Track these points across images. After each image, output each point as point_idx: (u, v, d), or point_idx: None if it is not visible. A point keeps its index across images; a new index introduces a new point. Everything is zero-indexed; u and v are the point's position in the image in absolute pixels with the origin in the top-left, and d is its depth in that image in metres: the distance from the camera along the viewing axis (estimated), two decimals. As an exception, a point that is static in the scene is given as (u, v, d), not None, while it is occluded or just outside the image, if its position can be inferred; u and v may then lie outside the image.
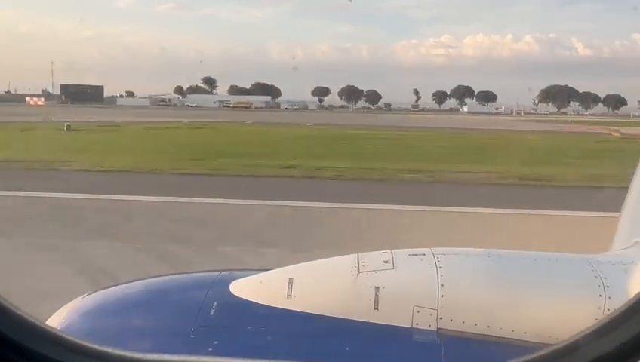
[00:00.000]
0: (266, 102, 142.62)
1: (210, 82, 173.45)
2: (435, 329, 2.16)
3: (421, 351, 2.14)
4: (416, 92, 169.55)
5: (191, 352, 2.21)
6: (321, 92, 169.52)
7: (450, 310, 2.16)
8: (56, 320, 2.46)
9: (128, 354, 1.16)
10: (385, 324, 2.18)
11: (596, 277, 2.22)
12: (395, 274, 2.27)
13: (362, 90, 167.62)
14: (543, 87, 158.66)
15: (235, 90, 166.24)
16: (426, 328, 2.16)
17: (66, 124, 39.71)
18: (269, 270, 2.58)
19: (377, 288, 2.22)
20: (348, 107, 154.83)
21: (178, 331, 2.29)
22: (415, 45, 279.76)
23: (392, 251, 2.42)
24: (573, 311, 2.15)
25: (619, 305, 2.02)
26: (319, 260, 2.55)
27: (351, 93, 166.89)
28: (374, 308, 2.19)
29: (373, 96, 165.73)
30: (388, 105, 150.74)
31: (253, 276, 2.54)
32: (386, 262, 2.34)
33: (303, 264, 2.52)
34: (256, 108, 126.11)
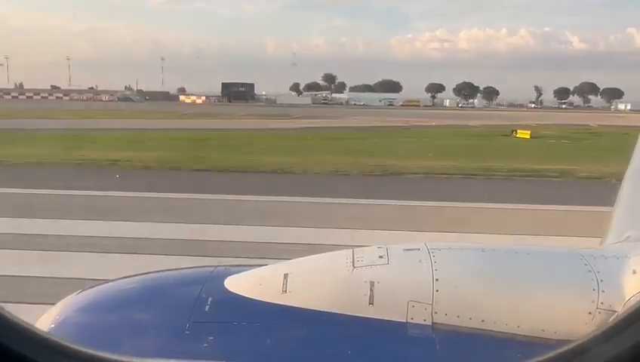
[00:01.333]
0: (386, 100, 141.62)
1: (331, 79, 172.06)
2: (430, 324, 2.16)
3: (416, 345, 2.15)
4: (537, 89, 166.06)
5: (186, 348, 2.21)
6: (436, 89, 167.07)
7: (445, 304, 2.17)
8: (50, 317, 2.46)
9: (119, 357, 1.18)
10: (380, 319, 2.19)
11: (590, 271, 2.23)
12: (389, 269, 2.28)
13: (478, 87, 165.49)
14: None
15: (361, 88, 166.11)
16: (420, 322, 2.17)
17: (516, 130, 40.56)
18: (263, 265, 2.57)
19: (372, 283, 2.23)
20: (471, 104, 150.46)
21: (173, 327, 2.28)
22: (410, 40, 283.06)
23: (387, 246, 2.42)
24: (567, 305, 2.17)
25: (612, 298, 2.11)
26: (314, 255, 2.55)
27: (465, 90, 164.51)
28: (369, 303, 2.20)
29: (491, 93, 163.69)
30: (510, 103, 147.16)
31: (247, 271, 2.54)
32: (380, 257, 2.34)
33: (297, 259, 2.52)
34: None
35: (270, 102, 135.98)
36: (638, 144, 5.03)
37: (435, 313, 2.17)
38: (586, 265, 2.28)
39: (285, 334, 2.26)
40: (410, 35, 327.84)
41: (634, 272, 2.22)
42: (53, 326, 2.39)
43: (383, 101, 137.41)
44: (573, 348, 1.01)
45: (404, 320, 2.18)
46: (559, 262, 2.40)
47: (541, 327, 2.14)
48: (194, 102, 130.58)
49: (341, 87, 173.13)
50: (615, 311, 2.11)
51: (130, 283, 2.73)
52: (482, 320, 2.16)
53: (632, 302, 2.09)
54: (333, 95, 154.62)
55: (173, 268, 3.06)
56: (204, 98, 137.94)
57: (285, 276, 2.35)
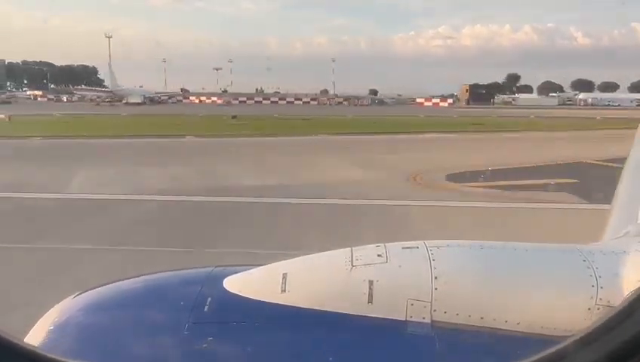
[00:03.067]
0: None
1: (515, 79, 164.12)
2: (429, 322, 2.17)
3: (415, 343, 2.15)
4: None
5: (185, 348, 2.20)
6: (584, 85, 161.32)
7: (444, 302, 2.17)
8: (47, 321, 2.43)
9: None
10: (379, 318, 2.19)
11: (588, 267, 2.24)
12: (388, 268, 2.28)
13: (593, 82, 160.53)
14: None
15: (549, 87, 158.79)
16: (420, 321, 2.17)
17: None
18: (262, 265, 2.57)
19: (371, 282, 2.23)
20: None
21: (172, 328, 2.27)
22: (413, 37, 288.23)
23: (386, 244, 2.42)
24: (566, 301, 2.18)
25: (611, 294, 2.14)
26: (313, 254, 2.55)
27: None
28: (368, 302, 2.20)
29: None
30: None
31: (246, 271, 2.54)
32: (379, 255, 2.34)
33: (296, 259, 2.52)
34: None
35: (507, 103, 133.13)
36: (636, 140, 5.06)
37: (435, 311, 2.17)
38: (584, 261, 2.28)
39: (284, 334, 2.26)
40: (412, 33, 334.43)
41: (633, 268, 2.23)
42: (51, 328, 2.37)
43: (634, 102, 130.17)
44: (568, 344, 1.02)
45: (404, 319, 2.18)
46: (558, 258, 2.40)
47: (540, 324, 2.15)
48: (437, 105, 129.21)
49: (528, 89, 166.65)
50: (614, 307, 2.07)
51: (128, 284, 2.72)
52: (481, 318, 2.16)
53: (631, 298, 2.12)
54: (522, 95, 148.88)
55: (172, 269, 3.05)
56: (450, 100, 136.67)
57: (284, 275, 2.34)
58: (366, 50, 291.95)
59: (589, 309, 2.14)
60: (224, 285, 2.42)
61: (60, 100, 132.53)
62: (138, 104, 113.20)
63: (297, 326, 2.25)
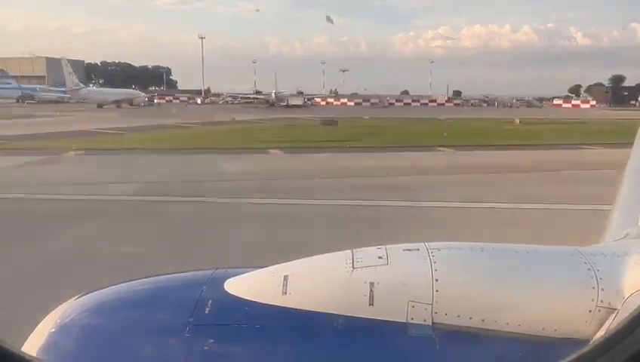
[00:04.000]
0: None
1: (619, 80, 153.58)
2: (430, 324, 2.17)
3: (416, 345, 2.16)
4: None
5: (186, 351, 2.21)
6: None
7: (445, 304, 2.18)
8: (48, 324, 2.44)
9: None
10: (380, 319, 2.19)
11: (589, 269, 2.25)
12: (389, 270, 2.28)
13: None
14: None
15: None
16: (421, 323, 2.17)
17: None
18: (263, 267, 2.57)
19: (372, 284, 2.23)
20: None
21: (173, 330, 2.28)
22: (413, 37, 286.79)
23: (387, 246, 2.42)
24: (567, 303, 2.18)
25: (612, 296, 2.14)
26: (314, 257, 2.55)
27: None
28: (369, 304, 2.20)
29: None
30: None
31: (247, 274, 2.54)
32: (380, 257, 2.34)
33: (297, 261, 2.52)
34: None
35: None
36: (636, 142, 5.08)
37: (436, 313, 2.18)
38: (585, 263, 2.29)
39: (286, 336, 2.26)
40: (412, 33, 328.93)
41: (634, 270, 2.24)
42: (53, 330, 2.38)
43: None
44: (581, 355, 1.04)
45: (405, 321, 2.18)
46: (559, 260, 2.41)
47: (541, 326, 2.15)
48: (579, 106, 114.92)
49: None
50: (615, 309, 2.13)
51: (129, 287, 2.73)
52: (482, 320, 2.16)
53: (632, 300, 2.12)
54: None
55: (173, 272, 3.05)
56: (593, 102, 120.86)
57: (285, 278, 2.35)
58: (366, 50, 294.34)
59: (590, 311, 2.15)
60: (225, 287, 2.42)
61: (195, 103, 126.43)
62: (299, 106, 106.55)
63: (298, 329, 2.25)
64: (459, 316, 2.17)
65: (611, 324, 2.07)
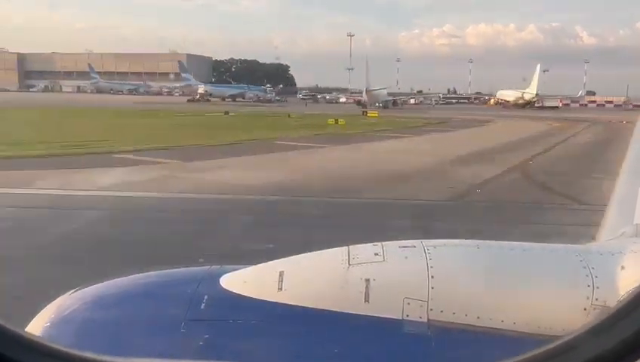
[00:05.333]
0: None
1: None
2: (426, 321, 2.17)
3: (412, 342, 2.16)
4: None
5: (181, 346, 2.22)
6: None
7: (441, 301, 2.17)
8: (44, 317, 2.45)
9: (110, 358, 1.18)
10: (376, 316, 2.19)
11: (585, 267, 2.24)
12: (385, 267, 2.28)
13: None
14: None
15: None
16: (416, 319, 2.17)
17: None
18: (259, 264, 2.57)
19: (368, 280, 2.22)
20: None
21: (168, 325, 2.29)
22: (417, 35, 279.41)
23: (383, 243, 2.41)
24: (562, 301, 2.18)
25: (607, 295, 2.10)
26: (310, 253, 2.54)
27: None
28: (365, 301, 2.20)
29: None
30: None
31: (243, 270, 2.54)
32: (376, 254, 2.33)
33: (293, 257, 2.52)
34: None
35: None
36: (632, 141, 5.00)
37: (431, 310, 2.17)
38: (581, 261, 2.28)
39: (281, 332, 2.26)
40: (416, 31, 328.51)
41: (629, 268, 2.22)
42: (48, 324, 2.38)
43: None
44: (561, 344, 1.03)
45: (400, 318, 2.18)
46: (554, 258, 2.39)
47: (536, 324, 2.15)
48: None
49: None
50: (610, 308, 2.09)
51: (125, 282, 2.73)
52: (478, 317, 2.16)
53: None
54: None
55: (168, 267, 3.05)
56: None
57: (281, 274, 2.34)
58: (371, 48, 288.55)
59: (585, 309, 2.14)
60: (221, 283, 2.42)
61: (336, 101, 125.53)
62: (554, 108, 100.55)
63: (294, 325, 2.25)
64: (454, 313, 2.17)
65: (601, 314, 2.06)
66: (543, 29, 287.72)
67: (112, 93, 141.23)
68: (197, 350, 2.18)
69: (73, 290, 2.66)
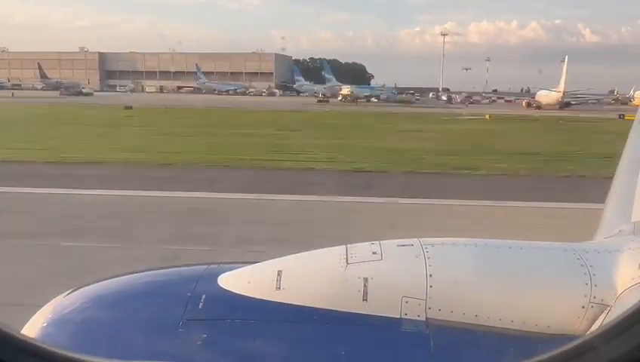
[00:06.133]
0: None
1: None
2: (424, 319, 2.16)
3: (410, 340, 2.14)
4: None
5: (179, 346, 2.18)
6: None
7: (439, 300, 2.17)
8: (41, 317, 2.43)
9: (107, 361, 1.11)
10: (374, 315, 2.18)
11: (582, 265, 2.23)
12: (383, 265, 2.27)
13: None
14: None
15: None
16: (414, 318, 2.16)
17: None
18: (257, 263, 2.53)
19: (366, 279, 2.22)
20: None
21: (166, 325, 2.26)
22: (419, 33, 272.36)
23: (381, 242, 2.41)
24: (560, 300, 2.17)
25: (605, 293, 2.11)
26: (308, 252, 2.52)
27: None
28: (363, 299, 2.19)
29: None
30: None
31: (241, 269, 2.51)
32: (374, 253, 2.32)
33: (291, 256, 2.49)
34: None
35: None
36: (629, 139, 4.90)
37: (429, 308, 2.17)
38: (578, 259, 2.28)
39: (279, 331, 2.25)
40: (418, 29, 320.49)
41: (626, 266, 2.22)
42: (45, 325, 2.36)
43: None
44: (572, 348, 1.00)
45: (398, 316, 2.17)
46: (552, 256, 2.39)
47: (534, 322, 2.14)
48: None
49: None
50: (608, 305, 2.12)
51: (121, 282, 2.70)
52: (476, 315, 2.16)
53: (625, 297, 2.10)
54: None
55: (166, 266, 3.08)
56: None
57: (279, 273, 2.32)
58: (372, 45, 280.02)
59: (583, 307, 2.14)
60: (219, 282, 2.40)
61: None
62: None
63: (292, 324, 2.23)
64: (452, 311, 2.16)
65: (604, 320, 2.05)
66: (546, 26, 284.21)
67: (217, 94, 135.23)
68: (195, 349, 2.16)
69: (70, 290, 2.62)
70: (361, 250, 2.36)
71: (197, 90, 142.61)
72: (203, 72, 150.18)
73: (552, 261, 2.34)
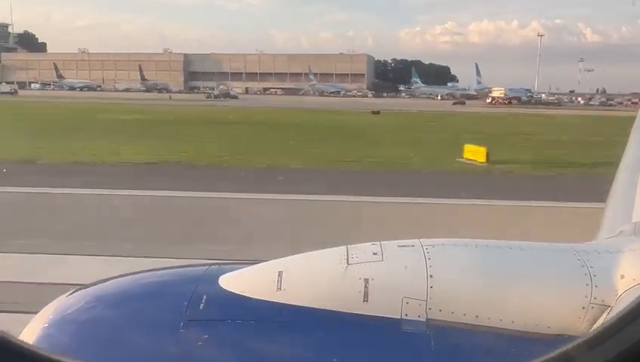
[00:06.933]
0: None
1: None
2: (425, 320, 2.16)
3: (411, 341, 2.14)
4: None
5: (180, 346, 2.19)
6: None
7: (439, 301, 2.17)
8: (42, 319, 2.43)
9: None
10: (374, 316, 2.18)
11: (583, 266, 2.23)
12: (384, 266, 2.26)
13: None
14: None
15: None
16: (415, 319, 2.16)
17: None
18: (258, 263, 2.53)
19: (367, 280, 2.21)
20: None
21: (167, 326, 2.26)
22: (419, 33, 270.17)
23: (381, 243, 2.40)
24: (560, 300, 2.17)
25: (605, 293, 2.11)
26: (308, 252, 2.51)
27: None
28: (364, 300, 2.19)
29: None
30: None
31: (242, 269, 2.51)
32: (375, 253, 2.32)
33: (292, 257, 2.49)
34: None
35: None
36: (630, 139, 4.81)
37: (430, 309, 2.17)
38: (579, 260, 2.27)
39: (280, 332, 2.25)
40: (418, 28, 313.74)
41: (627, 267, 2.22)
42: (46, 325, 2.36)
43: None
44: (571, 349, 0.99)
45: (399, 317, 2.17)
46: (553, 257, 2.38)
47: (535, 323, 2.14)
48: None
49: None
50: (608, 306, 2.12)
51: (122, 282, 2.70)
52: (476, 316, 2.16)
53: (625, 297, 2.10)
54: None
55: (167, 266, 3.01)
56: None
57: (279, 274, 2.32)
58: (372, 45, 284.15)
59: (584, 308, 2.13)
60: (220, 283, 2.40)
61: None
62: None
63: (293, 325, 2.23)
64: (453, 312, 2.16)
65: (605, 321, 2.06)
66: (546, 25, 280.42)
67: (323, 96, 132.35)
68: (196, 351, 2.16)
69: (72, 291, 2.62)
70: (362, 250, 2.35)
71: (287, 92, 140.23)
72: (307, 74, 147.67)
73: (553, 262, 2.33)
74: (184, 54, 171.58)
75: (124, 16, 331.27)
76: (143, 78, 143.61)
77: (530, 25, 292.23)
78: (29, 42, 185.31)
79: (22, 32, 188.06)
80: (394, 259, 2.28)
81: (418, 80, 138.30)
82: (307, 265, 2.43)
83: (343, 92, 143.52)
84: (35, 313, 2.49)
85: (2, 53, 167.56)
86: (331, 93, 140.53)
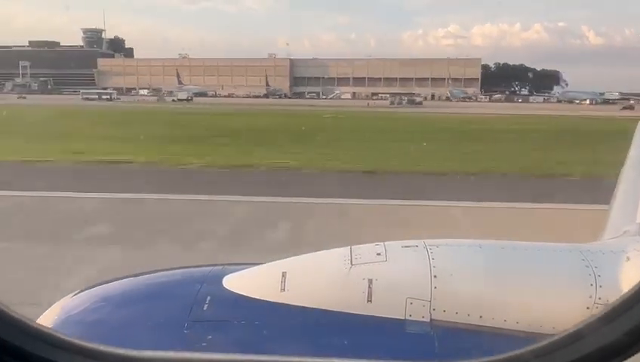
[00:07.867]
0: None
1: None
2: (429, 321, 2.16)
3: (415, 342, 2.14)
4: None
5: (185, 347, 2.20)
6: None
7: (443, 301, 2.16)
8: (49, 317, 2.43)
9: (121, 351, 1.20)
10: (378, 316, 2.18)
11: (587, 266, 2.23)
12: (387, 267, 2.26)
13: None
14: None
15: None
16: (419, 319, 2.16)
17: None
18: (261, 264, 2.53)
19: (370, 280, 2.21)
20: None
21: (172, 326, 2.28)
22: (422, 35, 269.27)
23: (385, 243, 2.40)
24: (564, 300, 2.17)
25: (610, 293, 2.08)
26: (312, 253, 2.51)
27: None
28: (368, 301, 2.19)
29: None
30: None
31: (245, 270, 2.52)
32: (378, 254, 2.32)
33: (295, 257, 2.48)
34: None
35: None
36: (634, 141, 4.99)
37: (434, 310, 2.17)
38: (583, 260, 2.27)
39: (284, 333, 2.24)
40: (420, 31, 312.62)
41: (632, 267, 2.22)
42: (52, 326, 2.37)
43: None
44: (569, 334, 1.00)
45: (403, 317, 2.17)
46: (557, 257, 2.38)
47: (539, 323, 2.14)
48: None
49: None
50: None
51: (127, 283, 2.70)
52: (480, 317, 2.15)
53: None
54: None
55: (171, 267, 3.00)
56: None
57: (283, 274, 2.32)
58: (375, 48, 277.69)
59: (588, 308, 2.14)
60: (224, 284, 2.41)
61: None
62: None
63: (297, 326, 2.23)
64: (457, 313, 2.16)
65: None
66: (549, 28, 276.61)
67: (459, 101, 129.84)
68: (200, 350, 2.16)
69: (77, 291, 2.64)
70: (366, 251, 2.35)
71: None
72: (403, 79, 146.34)
73: (557, 262, 2.33)
74: (290, 59, 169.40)
75: (124, 18, 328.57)
76: (267, 84, 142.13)
77: (532, 27, 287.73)
78: (119, 47, 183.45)
79: (112, 37, 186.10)
80: (398, 259, 2.29)
81: (566, 84, 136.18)
82: (311, 265, 2.44)
83: (473, 97, 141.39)
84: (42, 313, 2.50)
85: (98, 59, 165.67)
86: (462, 98, 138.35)
